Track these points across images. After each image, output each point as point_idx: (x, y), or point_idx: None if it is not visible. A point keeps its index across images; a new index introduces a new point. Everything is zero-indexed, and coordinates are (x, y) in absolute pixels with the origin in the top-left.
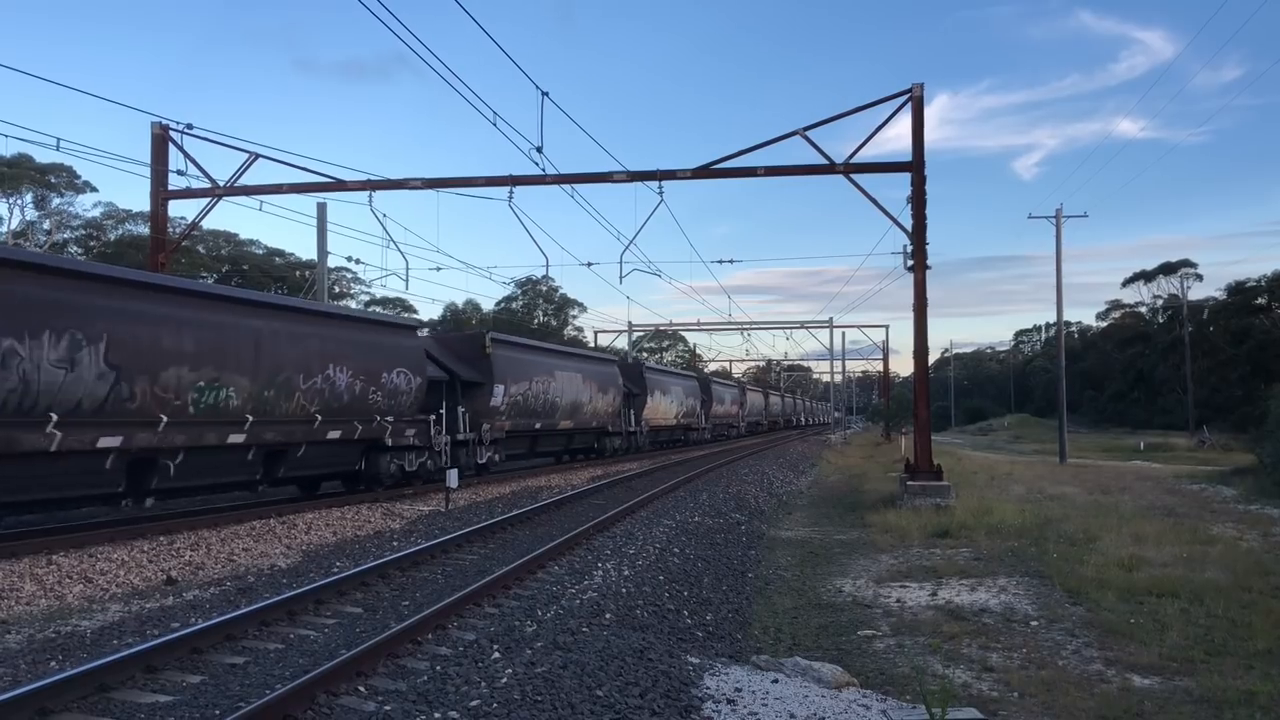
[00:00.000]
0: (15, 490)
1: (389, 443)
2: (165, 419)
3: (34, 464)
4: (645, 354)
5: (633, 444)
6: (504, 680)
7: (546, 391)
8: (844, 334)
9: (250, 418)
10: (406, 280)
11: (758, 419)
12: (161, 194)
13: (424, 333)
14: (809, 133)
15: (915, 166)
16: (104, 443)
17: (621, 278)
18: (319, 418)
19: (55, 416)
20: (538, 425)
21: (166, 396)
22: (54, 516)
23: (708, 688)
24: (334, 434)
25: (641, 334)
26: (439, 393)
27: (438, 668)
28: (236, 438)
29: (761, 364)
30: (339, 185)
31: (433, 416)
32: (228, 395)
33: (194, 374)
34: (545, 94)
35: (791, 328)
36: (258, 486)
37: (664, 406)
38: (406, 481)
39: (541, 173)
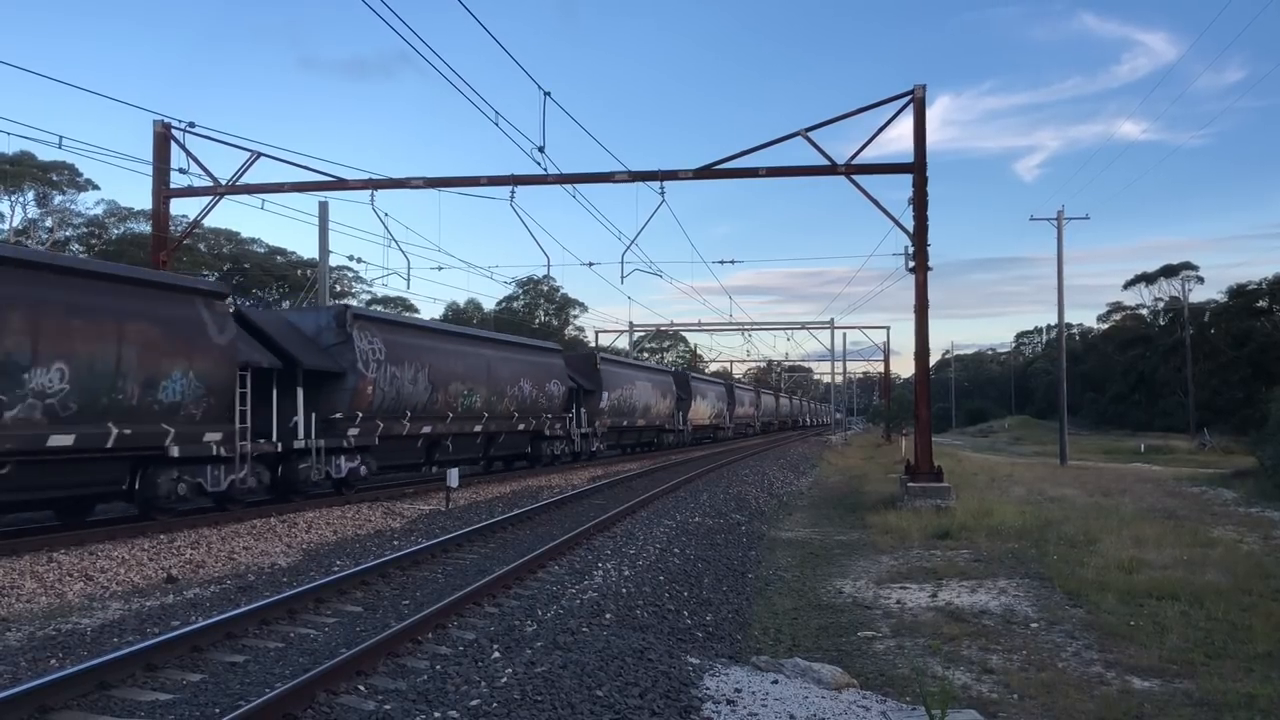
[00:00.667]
0: (387, 457)
1: (547, 433)
2: (450, 415)
3: (398, 442)
4: (646, 354)
5: (681, 439)
6: (504, 680)
7: (630, 397)
8: (845, 335)
9: (485, 414)
10: (408, 279)
11: (769, 419)
12: (163, 192)
13: None
14: (811, 134)
15: (917, 168)
16: (424, 430)
17: (623, 278)
18: (515, 415)
19: (408, 414)
20: (624, 423)
21: (450, 400)
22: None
23: (707, 688)
24: (521, 426)
25: (642, 334)
26: (568, 397)
27: (438, 667)
28: (477, 428)
29: (762, 365)
30: (341, 184)
31: (569, 415)
32: (475, 399)
33: (462, 386)
34: (547, 94)
35: (792, 328)
36: (479, 462)
37: (703, 409)
38: (552, 462)
39: (543, 172)
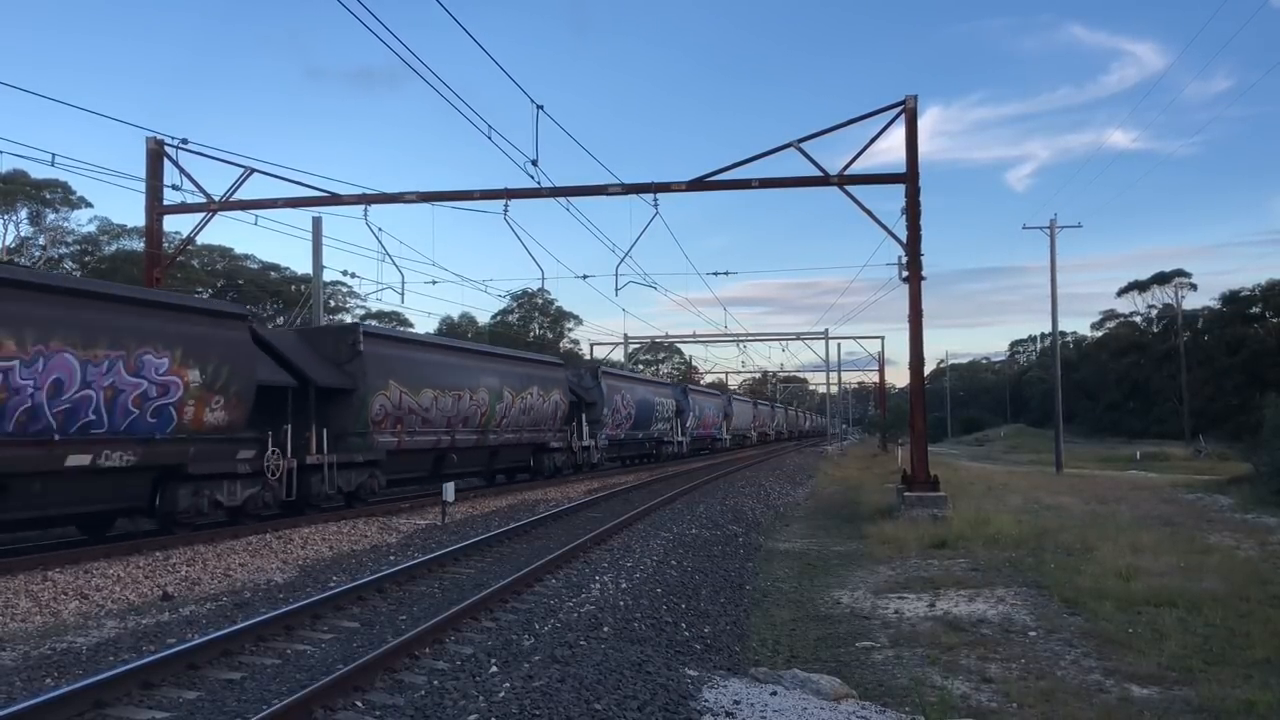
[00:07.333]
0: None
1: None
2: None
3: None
4: (641, 366)
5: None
6: (501, 694)
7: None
8: (839, 345)
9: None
10: (402, 294)
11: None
12: (156, 209)
13: None
14: (803, 145)
15: (909, 178)
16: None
17: (617, 290)
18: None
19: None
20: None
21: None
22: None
23: (706, 700)
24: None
25: (637, 346)
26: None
27: (435, 682)
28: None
29: (758, 375)
30: (334, 199)
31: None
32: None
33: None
34: (540, 107)
35: (787, 339)
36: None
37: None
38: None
39: (537, 186)
